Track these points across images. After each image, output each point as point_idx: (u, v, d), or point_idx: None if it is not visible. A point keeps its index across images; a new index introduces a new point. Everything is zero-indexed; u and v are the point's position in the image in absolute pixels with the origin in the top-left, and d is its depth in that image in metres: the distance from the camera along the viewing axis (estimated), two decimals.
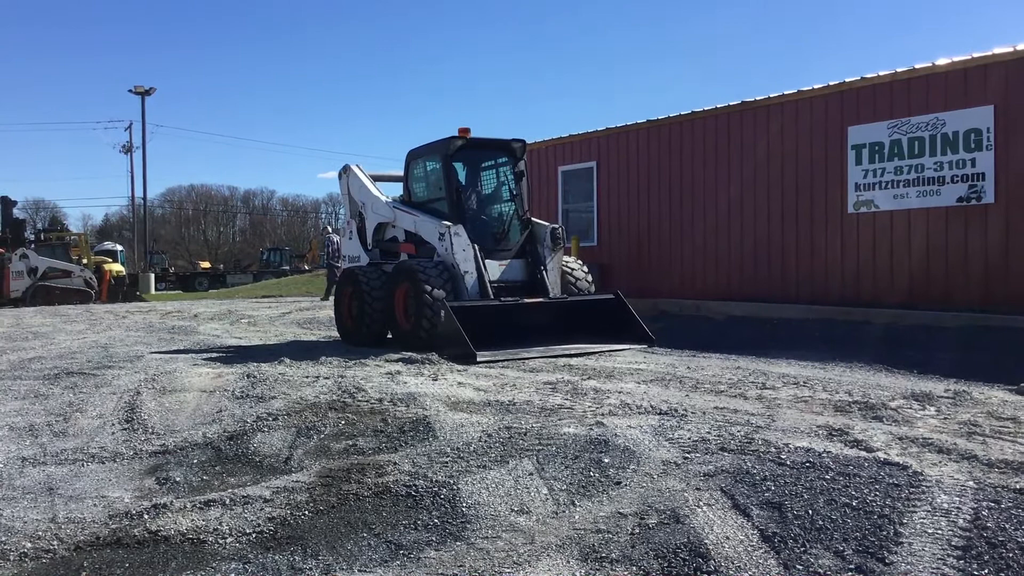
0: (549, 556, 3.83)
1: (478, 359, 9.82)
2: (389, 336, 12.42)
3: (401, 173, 13.76)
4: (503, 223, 12.45)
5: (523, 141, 12.69)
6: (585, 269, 12.77)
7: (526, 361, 9.96)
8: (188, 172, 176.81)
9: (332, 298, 24.55)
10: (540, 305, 11.33)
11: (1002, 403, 6.90)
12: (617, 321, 11.61)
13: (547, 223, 12.44)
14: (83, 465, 5.62)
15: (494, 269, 11.81)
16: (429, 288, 10.95)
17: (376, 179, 14.27)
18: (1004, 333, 10.67)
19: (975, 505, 4.17)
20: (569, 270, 12.43)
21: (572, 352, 10.54)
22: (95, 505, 4.74)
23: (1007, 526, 3.88)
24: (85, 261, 32.98)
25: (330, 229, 28.74)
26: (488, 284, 11.41)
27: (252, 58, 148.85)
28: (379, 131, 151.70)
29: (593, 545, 3.91)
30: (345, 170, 14.58)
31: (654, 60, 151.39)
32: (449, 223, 11.61)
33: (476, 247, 11.57)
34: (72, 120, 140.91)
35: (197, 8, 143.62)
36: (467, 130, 12.33)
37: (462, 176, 12.54)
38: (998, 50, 11.64)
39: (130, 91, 54.58)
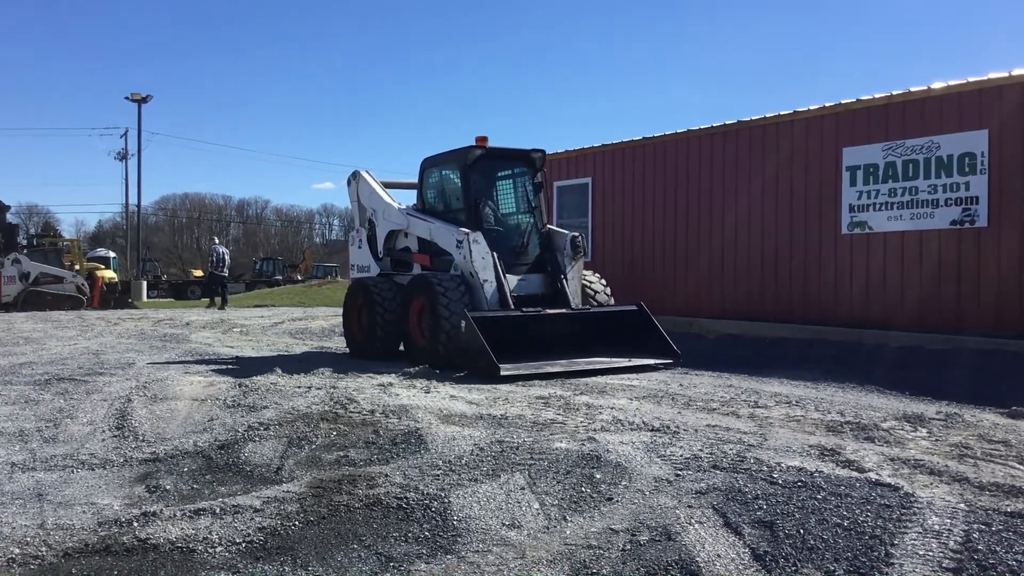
0: (540, 571, 3.82)
1: (502, 373, 9.43)
2: (401, 349, 12.10)
3: (411, 181, 13.37)
4: (522, 236, 12.07)
5: (543, 151, 12.28)
6: (604, 282, 12.38)
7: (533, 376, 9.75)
8: (182, 180, 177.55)
9: (222, 305, 25.89)
10: (562, 316, 10.98)
11: (993, 426, 6.91)
12: (639, 333, 11.28)
13: (566, 232, 12.03)
14: (73, 471, 5.59)
15: (512, 282, 11.41)
16: (447, 302, 10.59)
17: (386, 186, 13.82)
18: (996, 356, 10.70)
19: (966, 527, 4.17)
20: (588, 283, 12.06)
21: (598, 367, 10.20)
22: (84, 512, 4.72)
23: (998, 549, 3.89)
24: (77, 267, 32.91)
25: (216, 240, 29.83)
26: (508, 294, 11.05)
27: (249, 68, 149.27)
28: (373, 143, 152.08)
29: (584, 561, 3.90)
30: (355, 176, 14.10)
31: (651, 79, 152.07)
32: (467, 230, 11.27)
33: (495, 255, 11.21)
34: (68, 126, 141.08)
35: (196, 17, 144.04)
36: (485, 139, 11.88)
37: (480, 187, 12.11)
38: (993, 75, 11.72)
39: (127, 98, 54.59)
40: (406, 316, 11.63)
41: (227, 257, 28.31)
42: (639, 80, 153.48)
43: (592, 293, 12.00)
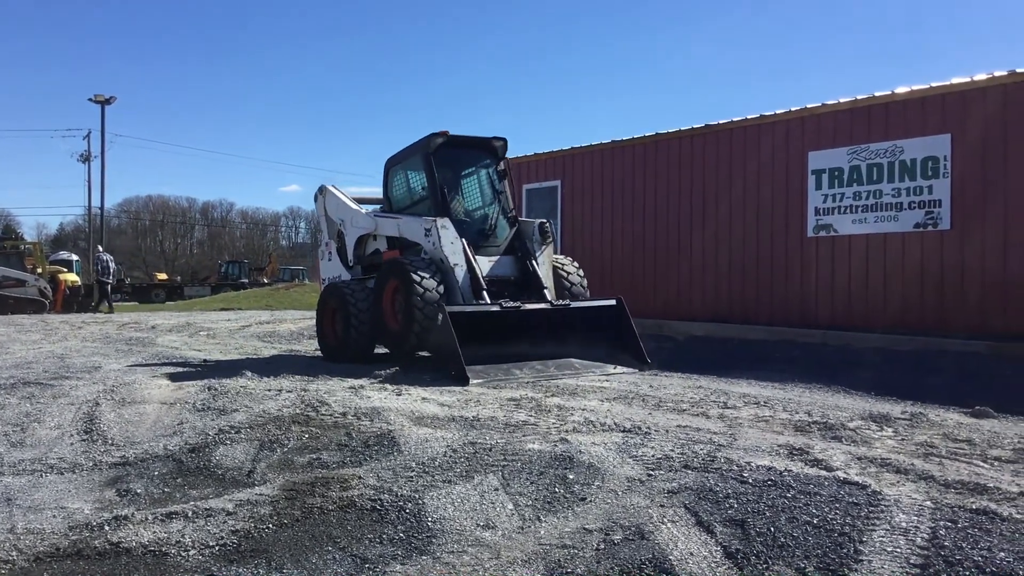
0: (515, 571, 3.84)
1: (471, 383, 9.32)
2: (376, 352, 12.11)
3: (379, 196, 13.38)
4: (490, 220, 12.03)
5: (504, 139, 12.32)
6: (579, 269, 12.31)
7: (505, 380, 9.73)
8: (146, 182, 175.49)
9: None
10: (539, 312, 10.83)
11: (957, 425, 7.03)
12: (614, 331, 11.21)
13: (533, 220, 12.08)
14: (42, 476, 5.54)
15: (484, 265, 11.37)
16: (420, 280, 10.50)
17: (359, 202, 13.79)
18: (959, 357, 10.87)
19: (932, 524, 4.25)
20: (565, 273, 12.02)
21: (568, 375, 10.08)
22: (55, 516, 4.68)
23: (964, 545, 3.96)
24: (39, 271, 32.42)
25: (100, 248, 31.29)
26: (480, 277, 11.01)
27: (215, 69, 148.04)
28: (342, 145, 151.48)
29: (559, 560, 3.93)
30: (321, 191, 14.17)
31: (621, 80, 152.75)
32: (434, 218, 11.27)
33: (464, 241, 11.20)
34: (29, 127, 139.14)
35: (159, 19, 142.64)
36: (446, 131, 11.91)
37: (444, 175, 12.00)
38: (956, 80, 11.92)
39: (90, 100, 54.06)
40: (380, 308, 11.52)
41: (111, 265, 30.36)
42: (605, 84, 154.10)
43: (568, 284, 11.93)
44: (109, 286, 30.13)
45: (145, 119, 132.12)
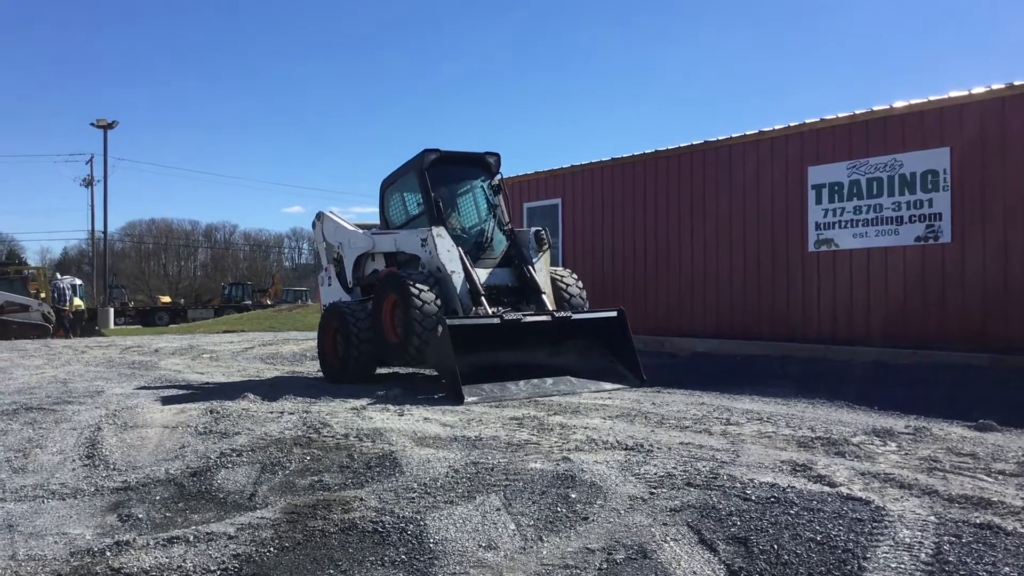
0: None
1: (466, 401, 9.30)
2: (377, 372, 12.15)
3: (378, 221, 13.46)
4: (486, 233, 12.02)
5: (497, 154, 12.40)
6: (580, 283, 12.26)
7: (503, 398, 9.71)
8: (149, 206, 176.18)
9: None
10: (541, 323, 10.70)
11: (961, 439, 7.00)
12: (612, 343, 11.11)
13: (529, 228, 12.13)
14: (43, 502, 5.52)
15: (481, 275, 11.34)
16: (418, 293, 10.52)
17: (361, 228, 13.77)
18: (962, 370, 10.84)
19: (937, 540, 4.22)
20: (564, 285, 11.99)
21: (563, 391, 10.04)
22: (56, 542, 4.66)
23: (968, 560, 3.94)
24: (43, 295, 32.51)
25: (59, 276, 31.81)
26: (479, 284, 11.00)
27: (216, 92, 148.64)
28: (343, 166, 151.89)
29: None
30: (319, 217, 14.24)
31: (621, 98, 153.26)
32: (429, 227, 11.33)
33: (461, 250, 11.24)
34: (32, 153, 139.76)
35: (160, 43, 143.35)
36: (438, 149, 12.01)
37: (439, 191, 12.01)
38: (954, 93, 11.95)
39: (92, 124, 54.24)
40: (379, 317, 11.47)
41: (67, 292, 31.87)
42: (605, 102, 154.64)
43: (567, 296, 11.89)
44: (64, 313, 31.00)
45: (148, 142, 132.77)
